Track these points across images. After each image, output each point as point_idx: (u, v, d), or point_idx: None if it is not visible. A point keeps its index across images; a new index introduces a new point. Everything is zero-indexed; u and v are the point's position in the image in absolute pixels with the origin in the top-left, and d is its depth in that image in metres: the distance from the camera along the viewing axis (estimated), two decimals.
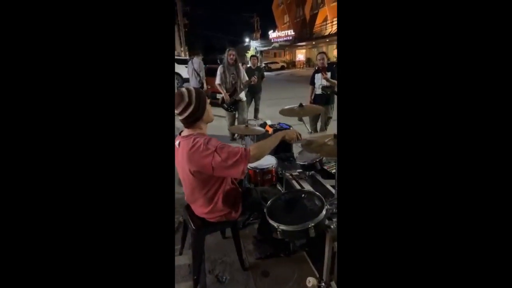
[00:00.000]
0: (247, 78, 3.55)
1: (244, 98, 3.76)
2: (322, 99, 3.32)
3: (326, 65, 3.28)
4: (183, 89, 1.23)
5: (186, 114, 1.21)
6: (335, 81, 3.11)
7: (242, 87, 3.53)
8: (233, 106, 3.63)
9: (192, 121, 1.24)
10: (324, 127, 3.49)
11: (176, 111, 1.20)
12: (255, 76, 3.55)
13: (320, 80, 3.31)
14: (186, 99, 1.19)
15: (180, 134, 1.30)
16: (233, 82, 3.51)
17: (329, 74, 3.17)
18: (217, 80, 3.52)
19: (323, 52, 3.51)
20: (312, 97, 3.47)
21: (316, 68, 3.40)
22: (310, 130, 3.50)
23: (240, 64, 3.59)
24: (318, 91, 3.36)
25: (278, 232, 1.16)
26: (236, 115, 3.76)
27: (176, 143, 1.28)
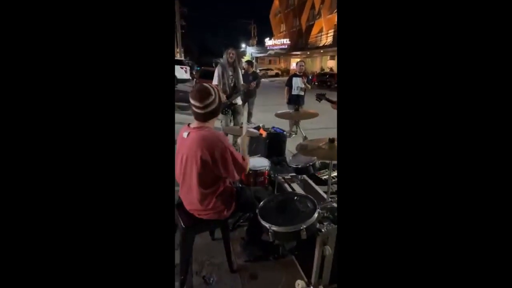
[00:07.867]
0: (242, 82, 3.53)
1: (240, 102, 3.68)
2: (297, 99, 4.17)
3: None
4: (208, 86, 1.31)
5: (209, 109, 1.28)
6: (309, 86, 4.22)
7: (239, 90, 3.46)
8: (228, 109, 3.53)
9: (210, 116, 1.31)
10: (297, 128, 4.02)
11: (200, 104, 1.26)
12: (254, 82, 3.59)
13: (298, 83, 4.16)
14: (213, 95, 1.27)
15: (188, 125, 1.34)
16: (231, 83, 3.40)
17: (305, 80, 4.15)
18: (215, 81, 3.40)
19: (303, 61, 4.49)
20: (288, 96, 4.25)
21: (296, 73, 4.29)
22: (304, 135, 3.56)
23: (239, 67, 3.53)
24: (296, 91, 4.17)
25: (269, 234, 1.15)
26: (231, 119, 3.67)
27: (185, 134, 1.31)
